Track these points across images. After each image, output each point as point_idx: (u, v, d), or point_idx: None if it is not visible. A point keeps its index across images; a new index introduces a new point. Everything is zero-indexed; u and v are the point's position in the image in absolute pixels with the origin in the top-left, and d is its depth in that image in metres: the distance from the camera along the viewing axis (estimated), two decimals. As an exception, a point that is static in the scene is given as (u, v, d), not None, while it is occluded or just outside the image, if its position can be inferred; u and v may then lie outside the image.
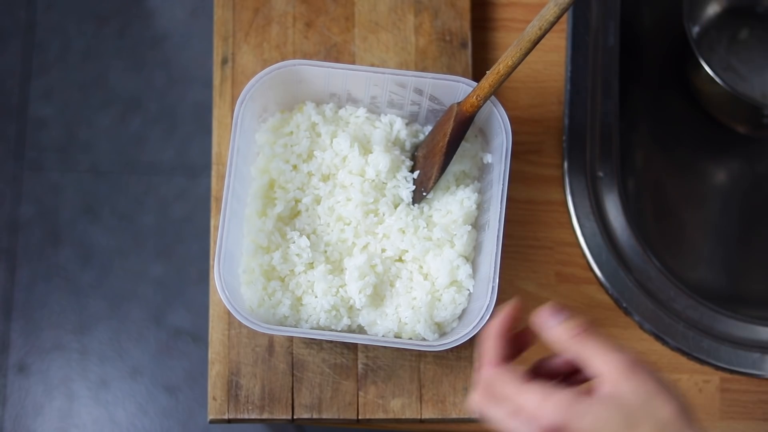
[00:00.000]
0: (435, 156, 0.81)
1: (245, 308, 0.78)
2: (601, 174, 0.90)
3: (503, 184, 0.78)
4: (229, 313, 0.85)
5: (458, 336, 0.76)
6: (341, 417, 0.85)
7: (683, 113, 1.04)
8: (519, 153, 0.89)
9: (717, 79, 0.92)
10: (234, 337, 0.85)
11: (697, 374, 0.88)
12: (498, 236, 0.77)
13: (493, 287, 0.76)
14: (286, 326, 0.79)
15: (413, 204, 0.82)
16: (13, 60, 1.80)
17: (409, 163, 0.83)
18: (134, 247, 1.74)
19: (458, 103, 0.79)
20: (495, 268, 0.76)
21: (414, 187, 0.82)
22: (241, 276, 0.81)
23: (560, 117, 0.92)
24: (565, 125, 0.91)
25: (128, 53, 1.81)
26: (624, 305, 0.88)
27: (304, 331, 0.78)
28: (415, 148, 0.85)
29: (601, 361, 0.61)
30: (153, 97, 1.80)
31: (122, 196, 1.76)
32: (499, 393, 0.63)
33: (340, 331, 0.80)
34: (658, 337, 0.87)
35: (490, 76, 0.77)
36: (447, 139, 0.79)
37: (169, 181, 1.77)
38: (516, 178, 0.78)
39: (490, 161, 0.82)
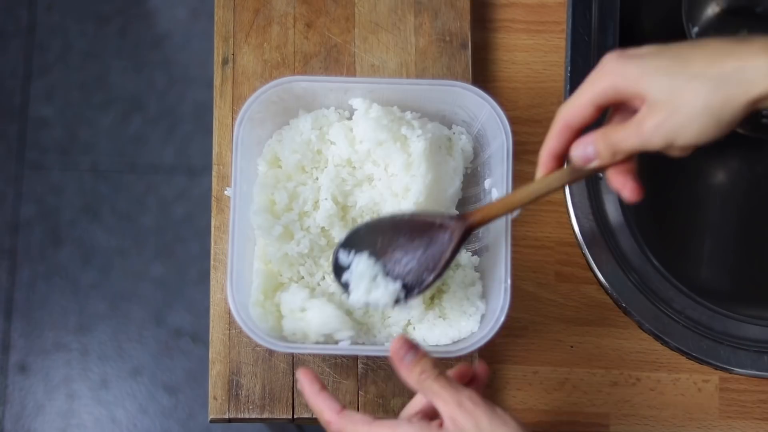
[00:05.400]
0: (432, 269, 0.74)
1: (259, 327, 0.76)
2: (600, 174, 0.90)
3: (507, 183, 0.78)
4: (229, 312, 0.85)
5: (475, 340, 0.75)
6: (341, 416, 0.85)
7: (682, 113, 1.04)
8: (519, 153, 0.88)
9: (716, 80, 0.92)
10: (235, 337, 0.86)
11: (696, 374, 0.88)
12: (507, 237, 0.77)
13: (505, 288, 0.76)
14: (295, 342, 0.78)
15: (403, 302, 0.75)
16: (14, 60, 1.80)
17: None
18: (134, 247, 1.74)
19: (461, 217, 0.73)
20: (506, 268, 0.76)
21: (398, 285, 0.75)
22: (252, 296, 0.80)
23: (560, 117, 0.92)
24: (564, 125, 0.91)
25: (129, 53, 1.81)
26: (624, 305, 0.88)
27: (322, 347, 0.77)
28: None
29: (441, 401, 0.65)
30: (153, 97, 1.80)
31: (122, 196, 1.76)
32: None
33: (353, 345, 0.78)
34: (657, 337, 0.88)
35: (505, 200, 0.73)
36: (447, 258, 0.73)
37: (169, 181, 1.77)
38: (516, 178, 0.78)
39: (487, 186, 0.83)
